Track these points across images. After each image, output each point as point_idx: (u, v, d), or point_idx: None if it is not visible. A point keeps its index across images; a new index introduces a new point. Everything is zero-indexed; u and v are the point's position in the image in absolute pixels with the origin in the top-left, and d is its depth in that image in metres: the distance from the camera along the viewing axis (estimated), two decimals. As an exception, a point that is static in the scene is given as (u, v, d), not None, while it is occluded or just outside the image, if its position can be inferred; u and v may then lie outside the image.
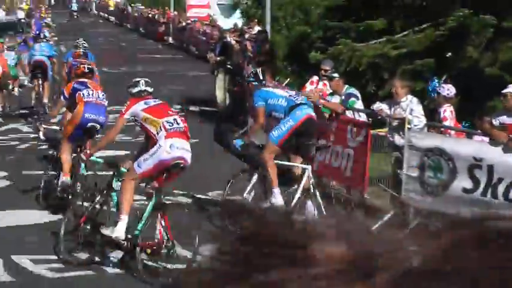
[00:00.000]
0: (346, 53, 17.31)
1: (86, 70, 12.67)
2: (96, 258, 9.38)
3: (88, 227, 9.34)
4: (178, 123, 9.76)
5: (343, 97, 12.59)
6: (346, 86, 12.86)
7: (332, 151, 11.79)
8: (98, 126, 11.74)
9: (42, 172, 11.91)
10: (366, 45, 17.61)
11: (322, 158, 11.92)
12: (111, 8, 75.69)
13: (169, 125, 9.59)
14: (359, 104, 12.75)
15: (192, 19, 47.19)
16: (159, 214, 9.23)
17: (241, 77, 20.33)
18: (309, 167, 10.15)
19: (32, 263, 9.35)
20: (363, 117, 12.60)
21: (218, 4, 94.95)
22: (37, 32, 39.11)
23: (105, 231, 8.97)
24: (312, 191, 9.78)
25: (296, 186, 9.59)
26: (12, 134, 18.38)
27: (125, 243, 9.04)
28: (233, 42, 30.86)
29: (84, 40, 18.76)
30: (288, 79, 24.95)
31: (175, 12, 54.05)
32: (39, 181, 12.19)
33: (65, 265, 9.27)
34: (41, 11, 57.91)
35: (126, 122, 10.30)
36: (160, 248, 9.07)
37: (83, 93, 11.73)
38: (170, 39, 51.12)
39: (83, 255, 9.53)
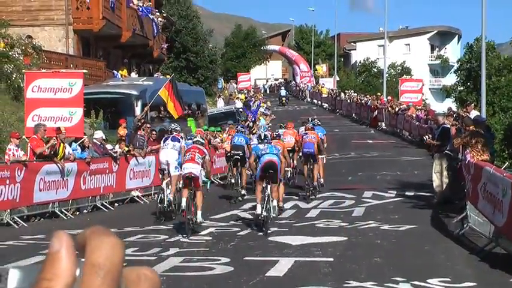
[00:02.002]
0: None
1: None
2: None
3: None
4: (189, 155, 17.51)
5: None
6: None
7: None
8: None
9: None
10: None
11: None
12: (324, 95, 77.15)
13: (185, 157, 17.66)
14: None
15: (406, 104, 47.13)
16: (189, 199, 17.09)
17: (458, 161, 19.99)
18: (269, 185, 17.64)
19: None
20: None
21: (430, 89, 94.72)
22: (253, 120, 40.51)
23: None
24: (271, 197, 17.57)
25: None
26: (234, 221, 19.05)
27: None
28: (449, 126, 30.54)
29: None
30: (507, 163, 24.27)
31: (389, 98, 54.23)
32: (259, 267, 12.61)
33: None
34: (256, 100, 60.01)
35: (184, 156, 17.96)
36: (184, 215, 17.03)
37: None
38: (383, 125, 51.20)
39: None
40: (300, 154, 24.35)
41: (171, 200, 19.53)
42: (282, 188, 20.43)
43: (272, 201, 17.80)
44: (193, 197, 17.30)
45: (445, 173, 20.86)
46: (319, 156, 24.06)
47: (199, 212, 17.29)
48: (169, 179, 19.65)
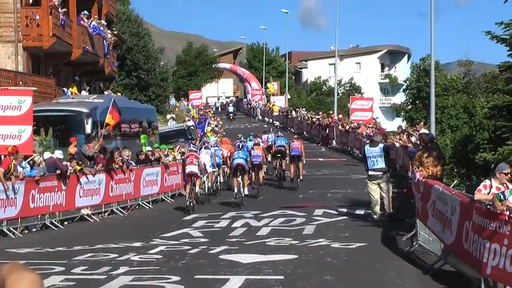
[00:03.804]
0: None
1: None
2: None
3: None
4: (189, 160, 26.08)
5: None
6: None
7: (506, 255, 11.42)
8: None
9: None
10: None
11: (496, 263, 11.56)
12: (275, 113, 77.43)
13: (187, 161, 26.11)
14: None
15: (356, 122, 47.49)
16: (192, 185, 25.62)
17: (407, 179, 20.18)
18: (244, 176, 27.07)
19: None
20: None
21: (381, 107, 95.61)
22: (202, 134, 40.57)
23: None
24: (242, 186, 26.79)
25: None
26: (184, 239, 18.98)
27: None
28: (397, 144, 30.82)
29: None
30: (455, 181, 24.52)
31: (340, 116, 54.61)
32: (211, 285, 12.60)
33: None
34: (209, 117, 59.87)
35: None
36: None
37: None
38: (334, 143, 51.52)
39: None
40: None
41: (210, 186, 29.27)
42: (262, 174, 30.50)
43: (244, 190, 26.74)
44: (194, 187, 25.82)
45: (389, 194, 21.05)
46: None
47: (197, 187, 26.32)
48: (207, 174, 28.55)
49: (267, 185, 32.37)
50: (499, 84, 38.39)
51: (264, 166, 31.81)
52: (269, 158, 35.95)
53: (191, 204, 25.19)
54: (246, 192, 26.99)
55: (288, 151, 32.51)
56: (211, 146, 31.14)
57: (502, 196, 11.84)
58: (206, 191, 28.48)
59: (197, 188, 26.22)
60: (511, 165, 13.61)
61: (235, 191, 26.81)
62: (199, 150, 29.06)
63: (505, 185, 12.55)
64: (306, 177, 34.62)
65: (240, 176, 26.93)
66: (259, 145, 32.45)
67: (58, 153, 23.68)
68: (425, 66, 57.25)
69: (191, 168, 25.80)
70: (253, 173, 29.78)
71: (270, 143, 37.33)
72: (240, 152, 27.84)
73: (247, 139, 36.07)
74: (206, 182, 28.70)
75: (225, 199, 28.43)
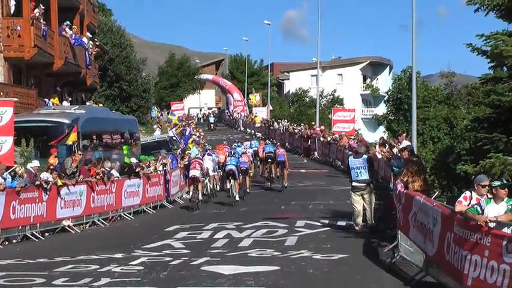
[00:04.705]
0: (498, 166, 16.93)
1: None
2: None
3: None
4: (192, 165, 29.82)
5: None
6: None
7: (487, 266, 11.45)
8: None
9: None
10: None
11: (477, 275, 11.59)
12: (257, 124, 77.42)
13: (190, 166, 30.02)
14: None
15: (338, 134, 47.52)
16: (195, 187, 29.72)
17: (389, 190, 20.21)
18: (235, 181, 30.74)
19: None
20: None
21: (363, 118, 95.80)
22: (184, 147, 40.56)
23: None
24: (234, 189, 30.53)
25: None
26: (166, 250, 18.93)
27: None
28: (380, 156, 30.89)
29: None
30: (437, 192, 24.61)
31: (322, 127, 54.66)
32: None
33: None
34: (190, 128, 59.66)
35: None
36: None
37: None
38: (316, 154, 51.57)
39: None
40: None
41: (211, 188, 32.73)
42: (248, 180, 33.66)
43: (236, 192, 30.40)
44: (196, 188, 29.54)
45: (371, 205, 21.11)
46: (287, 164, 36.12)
47: (200, 193, 29.69)
48: (209, 177, 32.07)
49: (254, 186, 35.97)
50: (480, 96, 38.58)
51: (250, 171, 35.19)
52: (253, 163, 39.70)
53: (195, 202, 29.17)
54: (238, 198, 30.41)
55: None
56: (212, 153, 34.23)
57: (478, 208, 11.89)
58: (209, 192, 32.12)
59: (199, 193, 29.68)
60: (491, 179, 13.63)
61: (228, 186, 30.93)
62: (203, 156, 32.62)
63: (484, 196, 12.59)
64: (288, 188, 34.67)
65: (232, 181, 30.47)
66: (246, 153, 35.67)
67: (33, 163, 23.53)
68: (405, 78, 57.50)
69: (194, 172, 29.45)
70: (241, 177, 32.81)
71: (256, 148, 40.96)
72: (232, 159, 31.31)
73: (235, 145, 40.03)
74: (208, 184, 32.11)
75: (220, 199, 31.42)
